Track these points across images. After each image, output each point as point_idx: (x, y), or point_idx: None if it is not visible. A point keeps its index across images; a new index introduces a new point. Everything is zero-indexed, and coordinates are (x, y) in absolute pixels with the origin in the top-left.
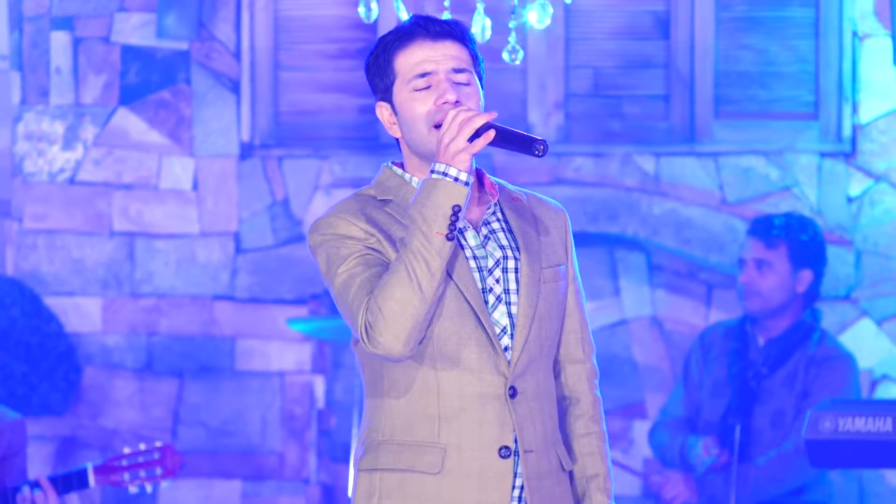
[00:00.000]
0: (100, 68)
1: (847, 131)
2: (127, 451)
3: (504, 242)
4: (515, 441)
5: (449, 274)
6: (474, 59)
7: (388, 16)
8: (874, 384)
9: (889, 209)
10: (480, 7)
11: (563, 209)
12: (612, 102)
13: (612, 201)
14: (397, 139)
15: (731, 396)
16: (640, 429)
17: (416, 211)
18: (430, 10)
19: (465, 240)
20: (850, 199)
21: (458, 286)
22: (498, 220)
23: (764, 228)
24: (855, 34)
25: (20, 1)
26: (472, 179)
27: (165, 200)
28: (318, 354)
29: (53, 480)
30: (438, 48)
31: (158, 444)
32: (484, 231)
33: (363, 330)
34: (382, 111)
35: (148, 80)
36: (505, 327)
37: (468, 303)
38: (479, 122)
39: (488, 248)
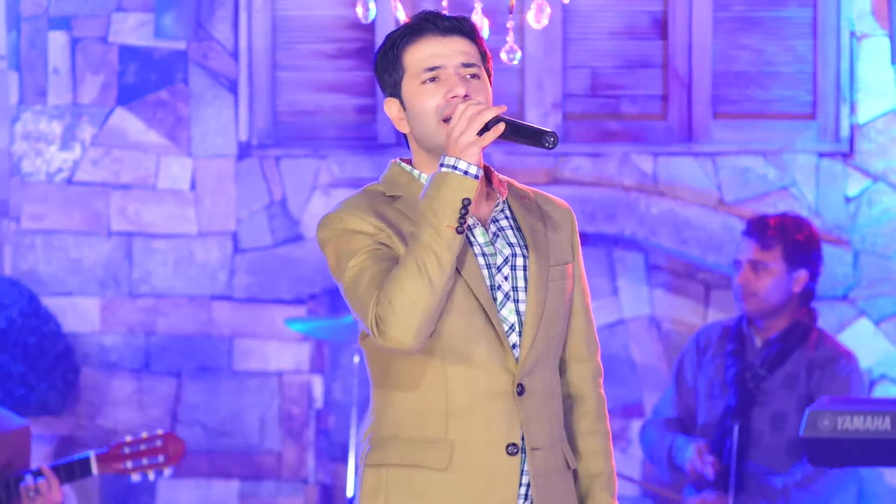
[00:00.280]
0: (97, 68)
1: (845, 131)
2: (129, 439)
3: (513, 240)
4: (522, 438)
5: (458, 270)
6: (483, 55)
7: (386, 16)
8: (872, 384)
9: (887, 209)
10: (478, 7)
11: (570, 208)
12: (609, 102)
13: (610, 201)
14: (405, 136)
15: (729, 397)
16: (638, 428)
17: (425, 205)
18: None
19: (474, 237)
20: (847, 199)
21: (467, 283)
22: (506, 217)
23: (759, 229)
24: (853, 34)
25: (18, 1)
26: (481, 173)
27: (163, 200)
28: (317, 354)
29: (56, 469)
30: (447, 43)
31: (160, 432)
32: (493, 228)
33: (373, 323)
34: (391, 107)
35: (146, 80)
36: (513, 325)
37: (477, 300)
38: (489, 115)
39: (497, 245)
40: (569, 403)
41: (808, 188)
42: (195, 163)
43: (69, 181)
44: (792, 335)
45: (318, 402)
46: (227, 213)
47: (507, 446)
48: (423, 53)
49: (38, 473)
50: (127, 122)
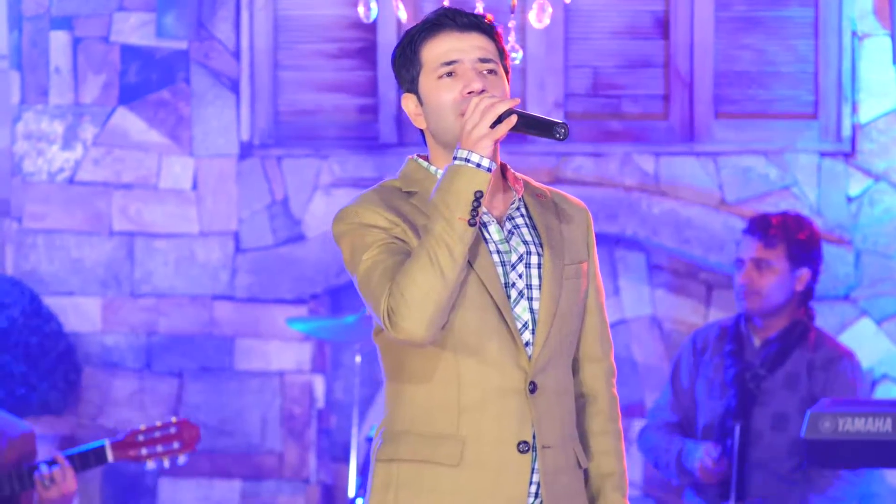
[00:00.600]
0: (99, 68)
1: (846, 131)
2: (143, 427)
3: (527, 238)
4: (534, 436)
5: (472, 266)
6: (501, 52)
7: (387, 16)
8: (874, 384)
9: (888, 209)
10: (479, 7)
11: (586, 208)
12: (611, 102)
13: (612, 201)
14: (422, 132)
15: (729, 398)
16: (639, 428)
17: (438, 197)
18: (428, 9)
19: (489, 234)
20: (849, 199)
21: (481, 279)
22: (522, 215)
23: (761, 228)
24: (854, 34)
25: (19, 0)
26: (494, 166)
27: (165, 200)
28: (318, 354)
29: (71, 457)
30: (465, 38)
31: (174, 419)
32: (508, 226)
33: (385, 315)
34: (408, 103)
35: (147, 80)
36: (526, 322)
37: (491, 296)
38: (502, 108)
39: (512, 242)
40: (581, 403)
41: (809, 188)
42: (197, 162)
43: (71, 181)
44: (791, 335)
45: (320, 402)
46: (229, 212)
47: (519, 444)
48: (440, 48)
49: (52, 462)
50: (128, 121)
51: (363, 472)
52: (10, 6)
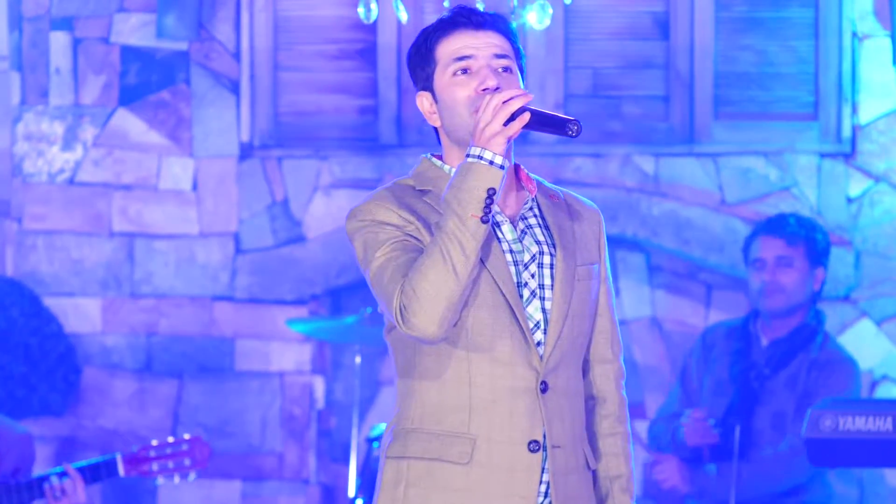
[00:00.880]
0: (99, 69)
1: (847, 132)
2: (155, 442)
3: (540, 238)
4: (544, 436)
5: (485, 265)
6: (516, 52)
7: (388, 16)
8: (874, 385)
9: (889, 210)
10: (481, 7)
11: (599, 210)
12: (611, 103)
13: (612, 202)
14: (436, 130)
15: (732, 396)
16: (640, 429)
17: (450, 194)
18: (429, 11)
19: (502, 233)
20: (849, 200)
21: (494, 278)
22: (535, 215)
23: (781, 227)
24: (854, 35)
25: (20, 1)
26: (507, 164)
27: (165, 201)
28: (318, 355)
29: (82, 469)
30: (480, 36)
31: (187, 436)
32: (521, 226)
33: (398, 312)
34: (423, 101)
35: (147, 81)
36: (538, 322)
37: (503, 295)
38: (515, 105)
39: (525, 242)
40: (591, 404)
41: (809, 189)
42: (197, 163)
43: (71, 182)
44: (798, 337)
45: (320, 403)
46: (229, 213)
47: (529, 443)
48: (455, 45)
49: (62, 473)
50: (128, 122)
51: (363, 472)
52: (10, 7)
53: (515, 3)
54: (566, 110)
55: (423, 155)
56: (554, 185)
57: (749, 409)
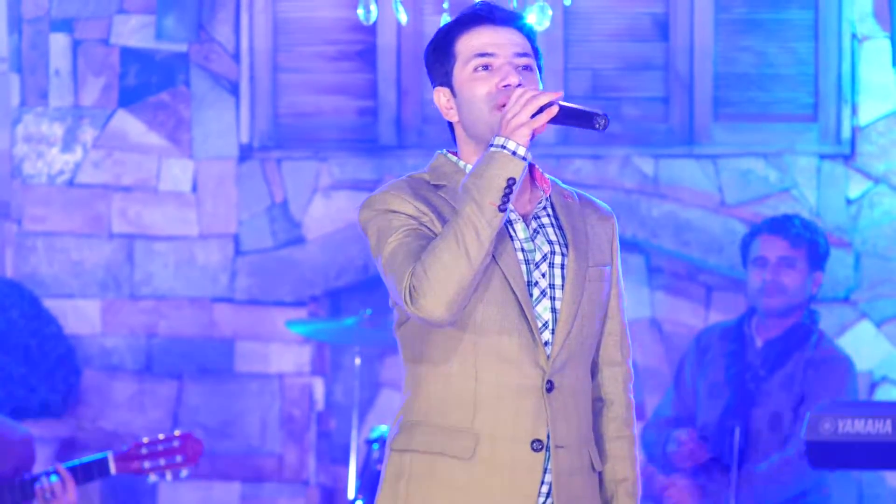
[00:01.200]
0: (99, 70)
1: (846, 133)
2: (146, 440)
3: (553, 237)
4: (548, 436)
5: (496, 261)
6: (535, 51)
7: (387, 18)
8: (874, 386)
9: (888, 211)
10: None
11: (612, 212)
12: (611, 104)
13: (611, 203)
14: (451, 126)
15: (728, 398)
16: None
17: (470, 181)
18: (428, 12)
19: (515, 231)
20: (849, 201)
21: (504, 275)
22: (548, 215)
23: (786, 227)
24: (854, 36)
25: (19, 3)
26: (529, 156)
27: (164, 202)
28: (318, 356)
29: (73, 469)
30: (501, 33)
31: (178, 433)
32: (533, 225)
33: (407, 293)
34: (440, 96)
35: (147, 82)
36: (547, 322)
37: (513, 293)
38: (544, 100)
39: (537, 241)
40: (598, 406)
41: (809, 190)
42: (196, 165)
43: (70, 183)
44: (793, 337)
45: (319, 405)
46: (229, 215)
47: (532, 442)
48: (476, 42)
49: (53, 474)
50: (128, 124)
51: (363, 474)
52: (9, 8)
53: (515, 4)
54: None
55: (439, 151)
56: (568, 186)
57: (746, 410)
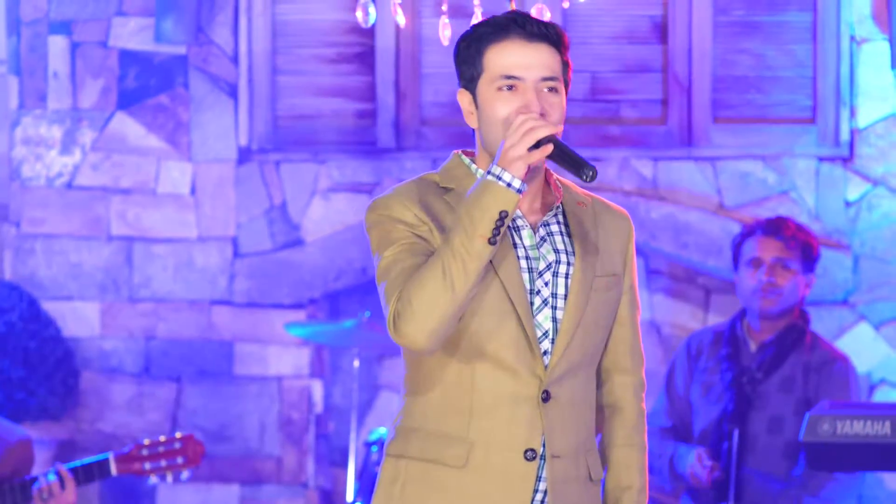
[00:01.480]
0: (97, 73)
1: (845, 135)
2: (147, 442)
3: (560, 246)
4: (543, 445)
5: (496, 271)
6: (565, 64)
7: (386, 20)
8: (872, 388)
9: (887, 213)
10: (478, 12)
11: (629, 217)
12: (609, 107)
13: None
14: (473, 129)
15: (725, 402)
16: None
17: (464, 209)
18: (426, 15)
19: (520, 238)
20: (847, 204)
21: (503, 284)
22: (558, 222)
23: (780, 229)
24: (853, 38)
25: (18, 5)
26: (525, 188)
27: (163, 205)
28: (316, 359)
29: (74, 470)
30: (532, 51)
31: (179, 434)
32: (542, 232)
33: (392, 318)
34: (464, 99)
35: (146, 85)
36: (547, 331)
37: (511, 303)
38: (543, 133)
39: (542, 249)
40: (607, 414)
41: (807, 192)
42: (195, 167)
43: (69, 186)
44: (787, 338)
45: (318, 407)
46: (227, 217)
47: (526, 451)
48: (505, 59)
49: (52, 474)
50: (127, 126)
51: (361, 476)
52: (8, 11)
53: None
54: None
55: (455, 151)
56: (583, 192)
57: (743, 414)
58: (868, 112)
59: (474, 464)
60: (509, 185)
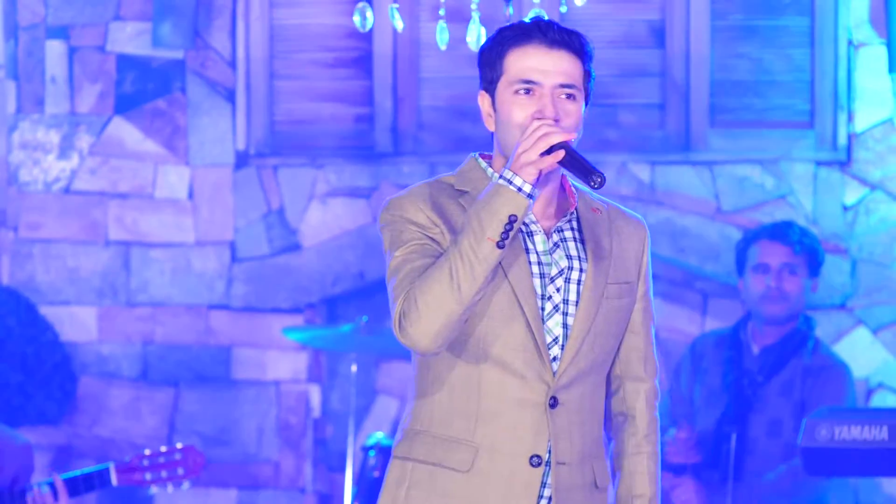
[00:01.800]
0: (95, 77)
1: (842, 140)
2: (148, 452)
3: (573, 252)
4: (549, 451)
5: (507, 277)
6: (587, 74)
7: (384, 25)
8: (870, 393)
9: (884, 218)
10: (476, 16)
11: (645, 225)
12: (607, 111)
13: None
14: (491, 132)
15: (725, 405)
16: None
17: (473, 212)
18: (424, 19)
19: (533, 244)
20: (845, 208)
21: (513, 290)
22: (572, 228)
23: (786, 234)
24: (850, 43)
25: (15, 10)
26: (536, 193)
27: (161, 209)
28: (314, 363)
29: (75, 480)
30: (552, 57)
31: (180, 445)
32: (555, 238)
33: (398, 317)
34: (483, 101)
35: (143, 90)
36: (557, 337)
37: (521, 308)
38: (555, 139)
39: (555, 255)
40: (620, 421)
41: (805, 197)
42: (193, 172)
43: (67, 190)
44: (789, 343)
45: (316, 412)
46: (225, 222)
47: (531, 457)
48: (524, 64)
49: (46, 484)
50: (124, 131)
51: (359, 481)
52: (5, 15)
53: (511, 11)
54: None
55: (472, 154)
56: (601, 197)
57: (743, 417)
58: (866, 116)
59: (479, 468)
60: (520, 189)
